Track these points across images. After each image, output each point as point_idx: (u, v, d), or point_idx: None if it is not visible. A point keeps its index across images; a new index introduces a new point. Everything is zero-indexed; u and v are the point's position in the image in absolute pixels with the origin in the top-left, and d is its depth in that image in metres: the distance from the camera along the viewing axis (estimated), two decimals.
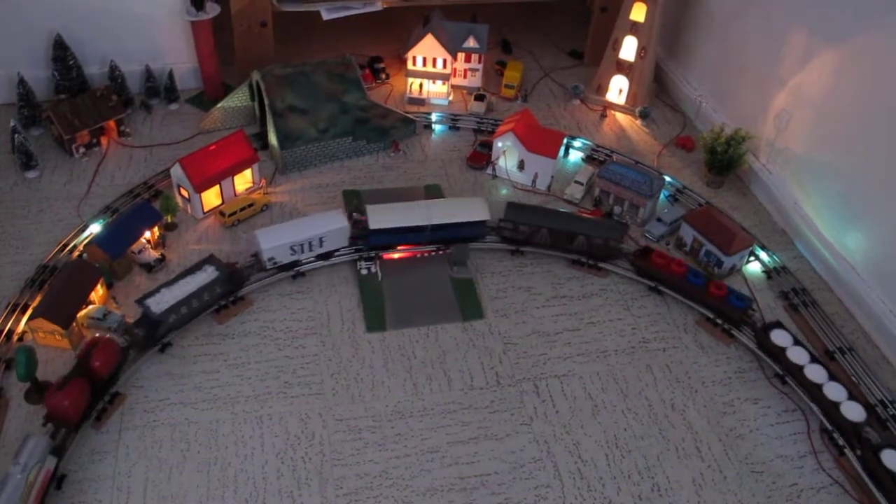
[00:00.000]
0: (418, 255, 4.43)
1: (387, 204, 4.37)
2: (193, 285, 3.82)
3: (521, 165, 4.97)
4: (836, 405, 3.58)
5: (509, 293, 4.29)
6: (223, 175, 4.56)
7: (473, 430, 3.61)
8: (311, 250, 4.20)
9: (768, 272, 4.50)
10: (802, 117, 4.64)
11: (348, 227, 4.20)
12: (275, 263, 4.16)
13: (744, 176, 5.19)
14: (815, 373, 3.72)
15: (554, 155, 4.85)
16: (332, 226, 4.20)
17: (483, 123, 5.51)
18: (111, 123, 5.08)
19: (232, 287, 4.05)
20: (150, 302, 3.72)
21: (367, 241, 4.29)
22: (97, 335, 3.73)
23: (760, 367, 3.97)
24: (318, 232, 4.17)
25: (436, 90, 5.69)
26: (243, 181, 4.73)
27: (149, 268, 4.23)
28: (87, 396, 3.44)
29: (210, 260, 3.98)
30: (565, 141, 5.12)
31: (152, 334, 3.74)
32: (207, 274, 3.89)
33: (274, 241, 4.12)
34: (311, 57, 5.47)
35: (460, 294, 4.25)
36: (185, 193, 4.55)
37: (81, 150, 4.97)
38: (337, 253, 4.33)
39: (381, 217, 4.23)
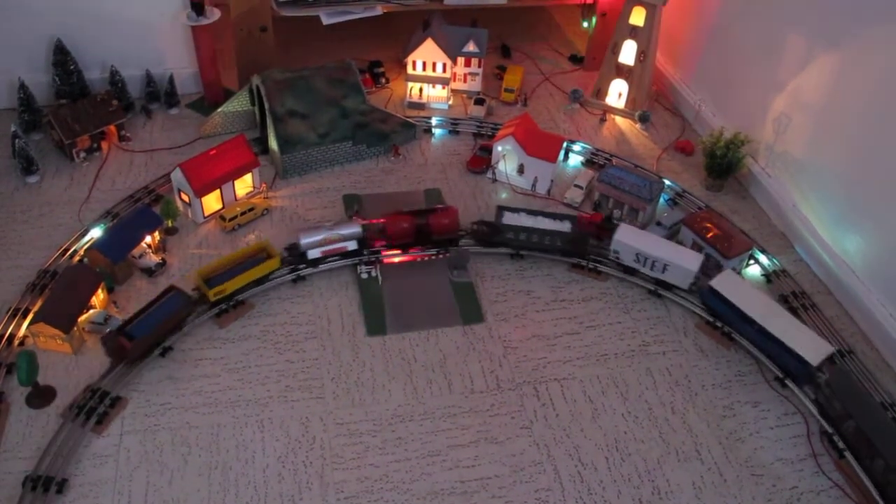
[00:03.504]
0: (418, 259, 4.44)
1: (746, 282, 4.17)
2: (547, 225, 4.34)
3: (520, 169, 4.98)
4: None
5: (509, 297, 4.30)
6: (224, 179, 4.57)
7: (474, 433, 3.62)
8: (649, 268, 4.24)
9: (768, 275, 4.50)
10: (801, 121, 4.66)
11: (694, 272, 4.14)
12: (616, 257, 4.27)
13: (743, 179, 5.20)
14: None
15: (553, 159, 4.86)
16: (684, 264, 4.15)
17: (483, 127, 5.52)
18: (112, 128, 5.09)
19: (575, 249, 4.36)
20: (507, 218, 4.39)
21: (707, 305, 4.18)
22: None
23: (760, 370, 3.98)
24: (668, 259, 4.17)
25: (436, 94, 5.70)
26: (244, 186, 4.74)
27: (149, 272, 4.23)
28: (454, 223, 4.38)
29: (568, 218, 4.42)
30: (565, 145, 5.13)
31: (493, 238, 4.35)
32: (561, 225, 4.35)
33: (627, 239, 4.26)
34: (311, 62, 5.47)
35: (460, 298, 4.26)
36: (185, 198, 4.56)
37: (82, 154, 4.98)
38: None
39: (727, 285, 4.08)
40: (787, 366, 3.86)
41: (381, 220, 4.41)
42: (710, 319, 4.17)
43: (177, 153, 5.10)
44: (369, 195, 4.89)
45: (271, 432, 3.55)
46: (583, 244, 4.44)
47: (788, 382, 3.86)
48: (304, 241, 4.26)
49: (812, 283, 4.50)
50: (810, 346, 3.80)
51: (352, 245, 4.36)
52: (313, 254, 4.29)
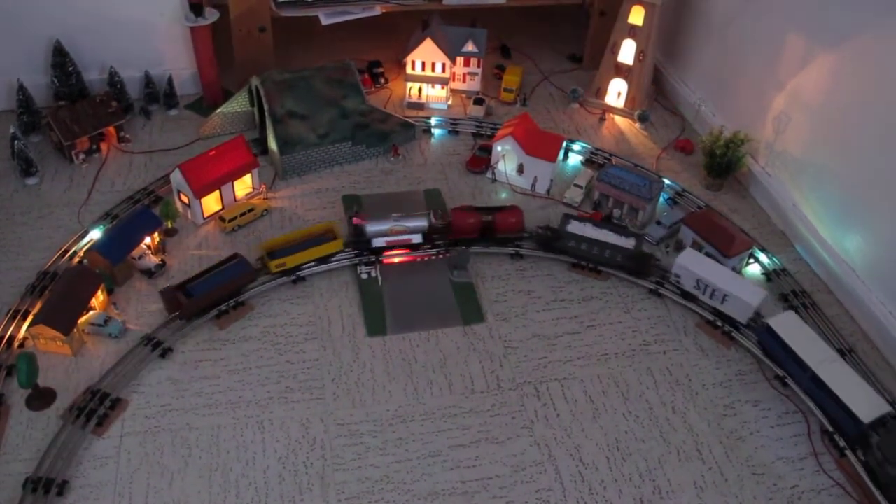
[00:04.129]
0: (418, 260, 4.44)
1: (806, 326, 3.93)
2: (611, 239, 4.30)
3: (520, 169, 4.98)
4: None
5: (509, 297, 4.29)
6: (223, 180, 4.57)
7: (474, 433, 3.62)
8: (708, 296, 4.14)
9: (768, 274, 4.50)
10: (801, 120, 4.66)
11: (754, 307, 3.99)
12: (678, 281, 4.21)
13: (743, 178, 5.20)
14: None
15: (553, 158, 4.86)
16: (744, 297, 4.02)
17: (482, 127, 5.52)
18: (111, 129, 5.09)
19: (637, 267, 4.31)
20: (572, 226, 4.37)
21: (760, 343, 4.01)
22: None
23: (761, 369, 3.98)
24: (728, 290, 4.04)
25: (435, 94, 5.70)
26: (243, 186, 4.73)
27: (149, 273, 4.23)
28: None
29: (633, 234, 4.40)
30: (564, 144, 5.13)
31: (554, 244, 4.37)
32: (625, 241, 4.30)
33: (690, 264, 4.17)
34: (310, 62, 5.47)
35: (461, 298, 4.25)
36: (185, 199, 4.56)
37: (81, 156, 4.98)
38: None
39: (786, 327, 3.89)
40: (837, 420, 3.61)
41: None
42: (711, 319, 4.17)
43: (176, 154, 5.10)
44: (369, 195, 4.89)
45: (272, 433, 3.55)
46: (645, 263, 4.36)
47: (789, 381, 3.86)
48: (371, 228, 4.33)
49: (812, 282, 4.50)
50: (865, 403, 3.54)
51: (416, 238, 4.41)
52: (378, 242, 4.35)
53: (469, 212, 4.49)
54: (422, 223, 4.41)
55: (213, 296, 4.02)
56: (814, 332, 3.90)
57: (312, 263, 4.29)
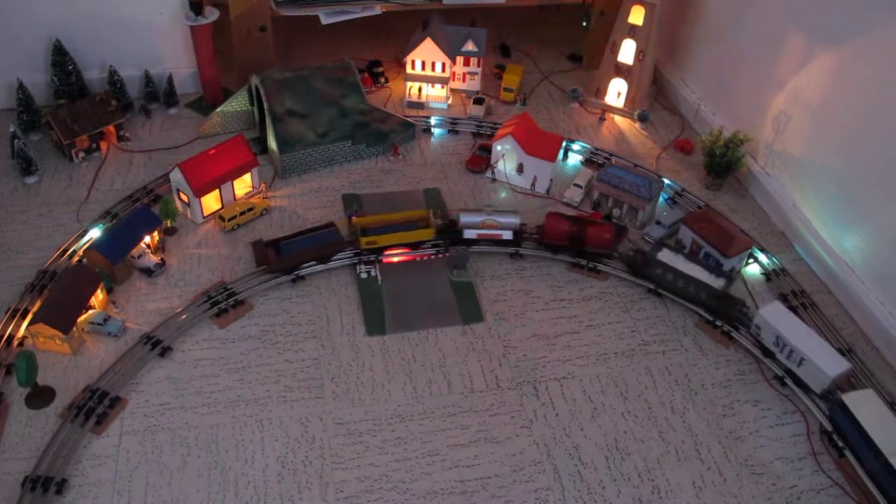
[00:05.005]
0: (418, 259, 4.44)
1: (884, 407, 3.60)
2: (699, 275, 4.18)
3: (520, 169, 4.98)
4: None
5: (509, 296, 4.29)
6: (223, 179, 4.57)
7: (473, 433, 3.62)
8: (785, 356, 3.85)
9: (767, 274, 4.50)
10: (800, 120, 4.66)
11: (831, 378, 3.69)
12: (757, 333, 4.00)
13: (742, 178, 5.20)
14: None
15: (553, 158, 4.86)
16: (822, 365, 3.72)
17: (482, 127, 5.52)
18: (110, 128, 5.09)
19: (721, 309, 4.10)
20: (663, 255, 4.27)
21: (832, 417, 3.70)
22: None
23: (760, 369, 3.98)
24: (806, 353, 3.76)
25: (435, 94, 5.70)
26: (243, 185, 4.74)
27: (149, 273, 4.23)
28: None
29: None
30: (564, 144, 5.13)
31: (641, 269, 4.28)
32: (714, 280, 4.16)
33: (772, 318, 3.90)
34: (309, 61, 5.48)
35: (460, 297, 4.25)
36: (184, 198, 4.56)
37: (81, 155, 4.98)
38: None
39: (861, 406, 3.59)
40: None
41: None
42: (710, 319, 4.17)
43: (176, 153, 5.10)
44: (368, 195, 4.89)
45: (271, 432, 3.55)
46: (731, 307, 4.14)
47: (788, 381, 3.86)
48: (464, 219, 4.38)
49: (812, 282, 4.50)
50: None
51: (507, 234, 4.42)
52: (469, 234, 4.39)
53: (564, 219, 4.45)
54: (514, 220, 4.43)
55: (300, 256, 4.21)
56: (893, 415, 3.57)
57: (313, 262, 4.30)
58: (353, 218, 4.46)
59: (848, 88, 4.26)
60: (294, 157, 4.94)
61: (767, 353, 3.96)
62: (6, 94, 5.23)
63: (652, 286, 4.33)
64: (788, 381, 3.85)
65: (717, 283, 4.20)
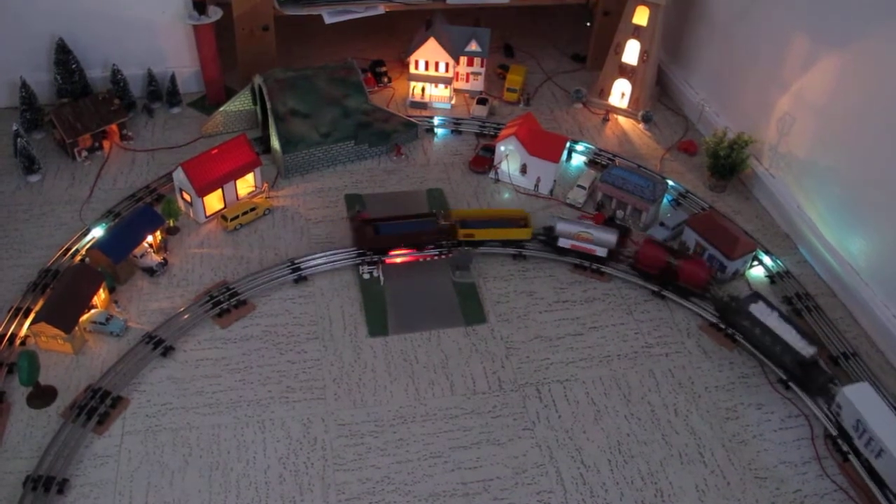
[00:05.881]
0: (420, 260, 4.43)
1: None
2: (788, 337, 3.87)
3: (523, 169, 4.97)
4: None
5: (512, 298, 4.28)
6: (225, 179, 4.56)
7: (476, 435, 3.60)
8: (864, 443, 3.51)
9: (771, 276, 4.49)
10: (805, 121, 4.64)
11: None
12: (837, 413, 3.67)
13: (746, 180, 5.19)
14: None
15: (556, 159, 4.85)
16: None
17: (485, 127, 5.51)
18: (113, 127, 5.08)
19: (803, 375, 3.83)
20: (756, 308, 3.96)
21: None
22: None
23: (763, 372, 3.96)
24: (888, 444, 3.38)
25: (438, 94, 5.69)
26: (245, 185, 4.73)
27: (151, 272, 4.22)
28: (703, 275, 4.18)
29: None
30: (568, 145, 5.12)
31: (730, 316, 3.98)
32: (803, 346, 3.85)
33: (857, 399, 3.59)
34: (313, 61, 5.47)
35: (463, 298, 4.24)
36: (187, 197, 4.55)
37: (84, 153, 4.97)
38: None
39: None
40: None
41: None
42: (714, 321, 4.16)
43: (178, 152, 5.09)
44: (371, 195, 4.88)
45: (272, 433, 3.54)
46: (816, 378, 3.82)
47: (792, 385, 3.84)
48: (561, 227, 4.36)
49: (816, 285, 4.48)
50: None
51: (601, 251, 4.36)
52: (564, 242, 4.36)
53: (661, 249, 4.32)
54: (611, 237, 4.33)
55: (396, 239, 4.34)
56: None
57: (320, 261, 4.29)
58: (450, 210, 4.55)
59: (853, 90, 4.25)
60: (297, 156, 4.93)
61: (844, 435, 3.63)
62: (9, 92, 5.23)
63: (739, 336, 4.07)
64: (792, 384, 3.84)
65: (807, 350, 3.86)
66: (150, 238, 4.30)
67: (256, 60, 5.43)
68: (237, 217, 4.55)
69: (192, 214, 4.61)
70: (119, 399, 3.60)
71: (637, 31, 5.43)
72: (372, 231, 4.38)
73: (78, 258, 4.26)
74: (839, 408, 3.68)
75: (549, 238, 4.47)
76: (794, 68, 4.67)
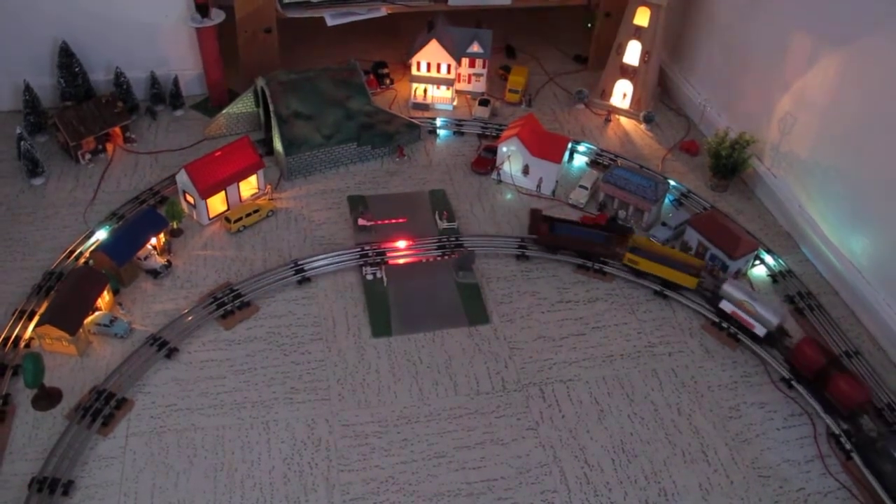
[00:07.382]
0: (423, 261, 4.44)
1: None
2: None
3: (525, 170, 4.98)
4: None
5: (515, 298, 4.29)
6: (228, 181, 4.57)
7: (479, 434, 3.61)
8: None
9: (774, 276, 4.49)
10: (807, 121, 4.64)
11: None
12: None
13: (748, 180, 5.19)
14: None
15: (558, 160, 4.86)
16: None
17: (487, 128, 5.52)
18: (117, 130, 5.10)
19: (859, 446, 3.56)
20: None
21: None
22: None
23: (766, 371, 3.97)
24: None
25: (440, 95, 5.70)
26: (248, 187, 4.74)
27: (155, 274, 4.23)
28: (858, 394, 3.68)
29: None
30: (569, 146, 5.13)
31: (872, 454, 3.51)
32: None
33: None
34: (315, 63, 5.48)
35: (466, 299, 4.25)
36: (190, 199, 4.57)
37: (87, 156, 4.99)
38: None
39: None
40: None
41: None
42: (716, 320, 4.16)
43: (182, 155, 5.11)
44: (374, 196, 4.89)
45: (277, 434, 3.55)
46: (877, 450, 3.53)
47: (795, 383, 3.84)
48: (727, 289, 4.15)
49: (818, 284, 4.49)
50: None
51: (759, 329, 4.02)
52: (725, 305, 4.14)
53: (822, 353, 3.85)
54: (773, 319, 3.99)
55: (568, 241, 4.46)
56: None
57: (324, 262, 4.30)
58: (632, 236, 4.48)
59: (854, 90, 4.25)
60: (300, 158, 4.95)
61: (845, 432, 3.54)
62: (13, 95, 5.25)
63: (879, 480, 3.50)
64: (795, 383, 3.84)
65: None
66: (153, 240, 4.31)
67: (259, 63, 5.44)
68: (240, 219, 4.56)
69: (195, 216, 4.62)
70: (124, 401, 3.61)
71: (638, 32, 5.44)
72: (547, 227, 4.46)
73: (82, 260, 4.27)
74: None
75: (713, 295, 4.26)
76: (795, 68, 4.68)
